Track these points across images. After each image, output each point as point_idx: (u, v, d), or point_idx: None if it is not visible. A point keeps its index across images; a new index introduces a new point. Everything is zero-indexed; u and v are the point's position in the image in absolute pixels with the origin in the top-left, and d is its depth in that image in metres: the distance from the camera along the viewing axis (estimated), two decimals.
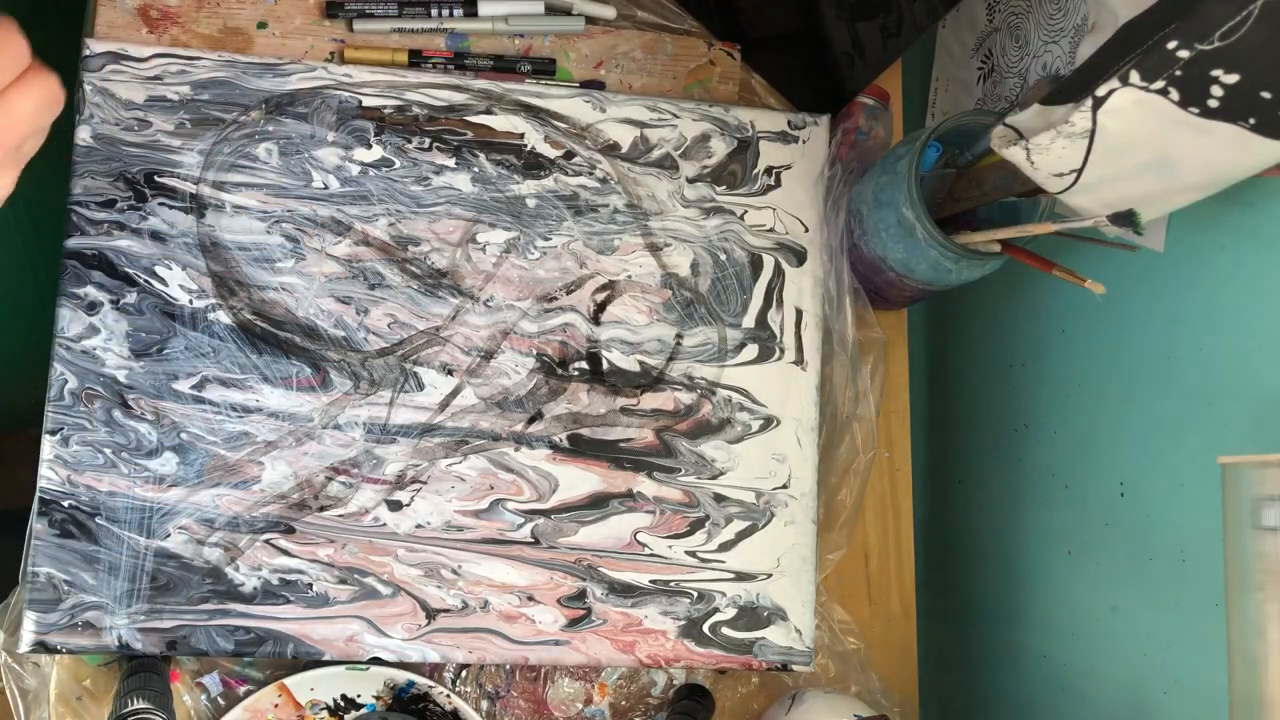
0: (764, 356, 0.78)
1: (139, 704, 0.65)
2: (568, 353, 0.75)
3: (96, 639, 0.67)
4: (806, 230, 0.80)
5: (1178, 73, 0.55)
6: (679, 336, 0.77)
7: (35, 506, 0.67)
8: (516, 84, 0.77)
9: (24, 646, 0.66)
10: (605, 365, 0.76)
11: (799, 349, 0.79)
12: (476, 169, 0.75)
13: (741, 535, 0.77)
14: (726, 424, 0.77)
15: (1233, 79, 0.54)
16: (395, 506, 0.72)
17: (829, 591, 0.83)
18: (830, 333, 0.80)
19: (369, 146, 0.73)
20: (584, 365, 0.76)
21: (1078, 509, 0.81)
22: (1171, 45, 0.54)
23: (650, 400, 0.76)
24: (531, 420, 0.74)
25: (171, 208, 0.70)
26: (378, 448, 0.72)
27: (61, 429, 0.68)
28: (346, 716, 0.73)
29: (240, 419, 0.70)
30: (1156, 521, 0.73)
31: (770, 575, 0.77)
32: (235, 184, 0.71)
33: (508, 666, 0.77)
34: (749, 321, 0.78)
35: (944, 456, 0.98)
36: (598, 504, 0.75)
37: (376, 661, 0.71)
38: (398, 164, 0.74)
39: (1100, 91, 0.58)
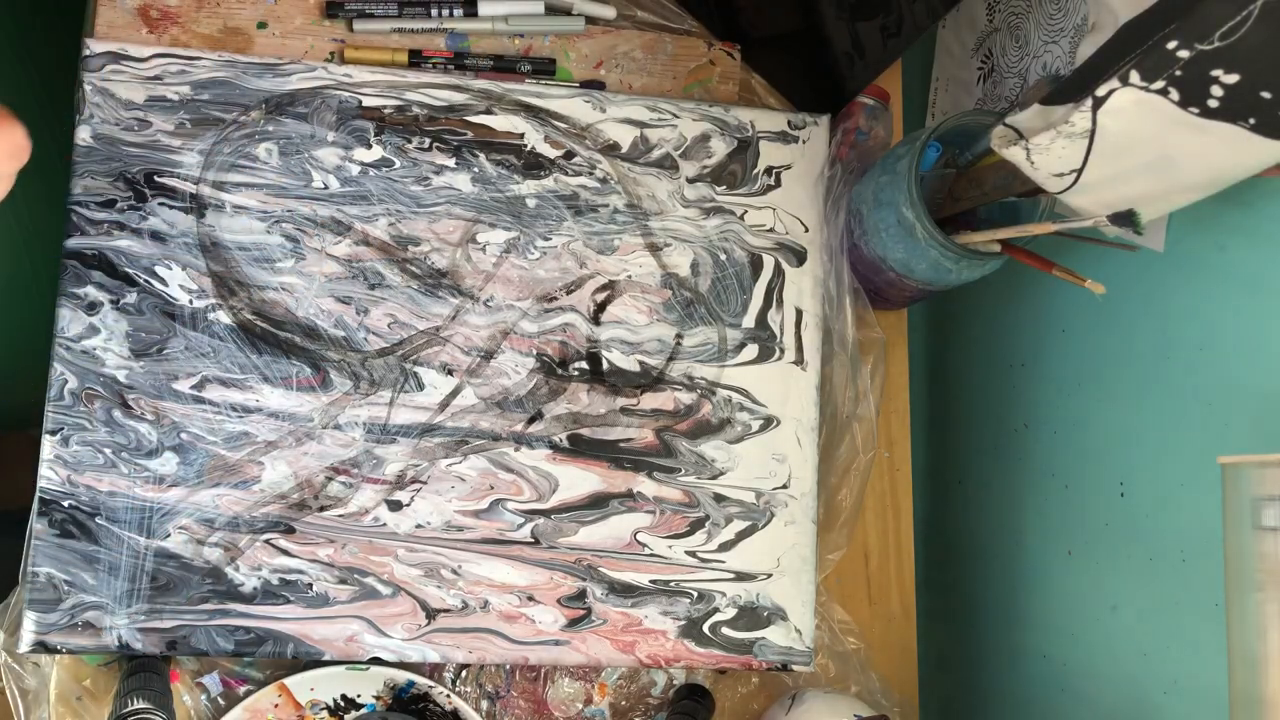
0: (764, 356, 0.78)
1: (139, 704, 0.65)
2: (568, 353, 0.75)
3: (96, 639, 0.67)
4: (806, 230, 0.80)
5: (1178, 73, 0.55)
6: (679, 336, 0.77)
7: (35, 506, 0.67)
8: (516, 84, 0.77)
9: (24, 646, 0.66)
10: (605, 365, 0.76)
11: (799, 349, 0.79)
12: (476, 169, 0.75)
13: (741, 535, 0.77)
14: (726, 424, 0.77)
15: (1233, 79, 0.54)
16: (395, 506, 0.72)
17: (829, 591, 0.83)
18: (830, 333, 0.80)
19: (369, 146, 0.73)
20: (584, 365, 0.76)
21: (1078, 509, 0.81)
22: (1171, 45, 0.54)
23: (650, 400, 0.76)
24: (531, 420, 0.74)
25: (171, 208, 0.70)
26: (378, 448, 0.72)
27: (61, 429, 0.68)
28: (346, 716, 0.73)
29: (240, 419, 0.70)
30: (1156, 521, 0.73)
31: (770, 575, 0.77)
32: (235, 184, 0.71)
33: (508, 666, 0.77)
34: (749, 321, 0.78)
35: (944, 456, 0.98)
36: (598, 504, 0.75)
37: (376, 661, 0.71)
38: (398, 164, 0.74)
39: (1100, 91, 0.58)
